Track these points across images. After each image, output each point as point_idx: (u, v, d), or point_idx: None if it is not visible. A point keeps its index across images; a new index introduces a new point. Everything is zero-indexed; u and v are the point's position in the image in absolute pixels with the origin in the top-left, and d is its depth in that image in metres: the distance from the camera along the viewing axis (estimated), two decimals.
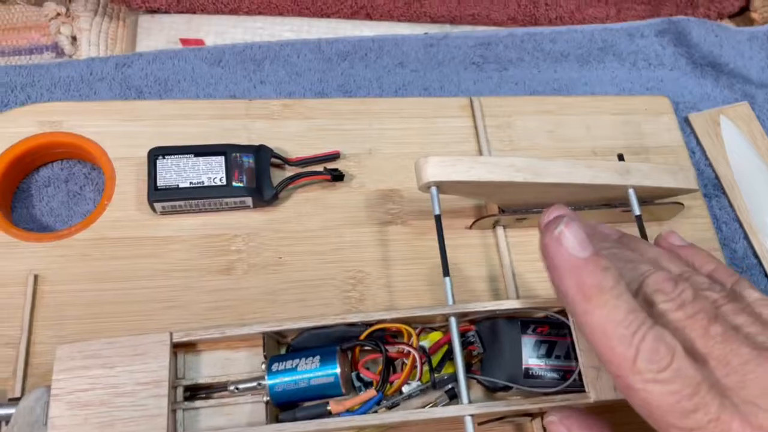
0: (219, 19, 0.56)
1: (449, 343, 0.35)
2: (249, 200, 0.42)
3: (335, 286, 0.41)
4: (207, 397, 0.35)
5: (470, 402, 0.34)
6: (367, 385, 0.36)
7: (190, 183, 0.41)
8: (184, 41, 0.55)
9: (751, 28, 0.59)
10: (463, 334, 0.36)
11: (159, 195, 0.41)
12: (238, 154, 0.42)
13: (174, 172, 0.41)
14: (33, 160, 0.43)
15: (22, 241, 0.40)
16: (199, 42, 0.55)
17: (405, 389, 0.35)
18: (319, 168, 0.44)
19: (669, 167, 0.41)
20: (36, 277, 0.39)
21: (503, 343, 0.36)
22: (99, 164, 0.43)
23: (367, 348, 0.36)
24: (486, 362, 0.37)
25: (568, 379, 0.35)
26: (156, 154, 0.41)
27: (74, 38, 0.55)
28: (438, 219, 0.37)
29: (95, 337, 0.34)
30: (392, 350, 0.36)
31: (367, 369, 0.36)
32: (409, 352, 0.35)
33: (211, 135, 0.44)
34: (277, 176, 0.43)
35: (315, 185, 0.44)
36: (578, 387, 0.34)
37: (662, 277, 0.26)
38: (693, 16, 0.59)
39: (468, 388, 0.34)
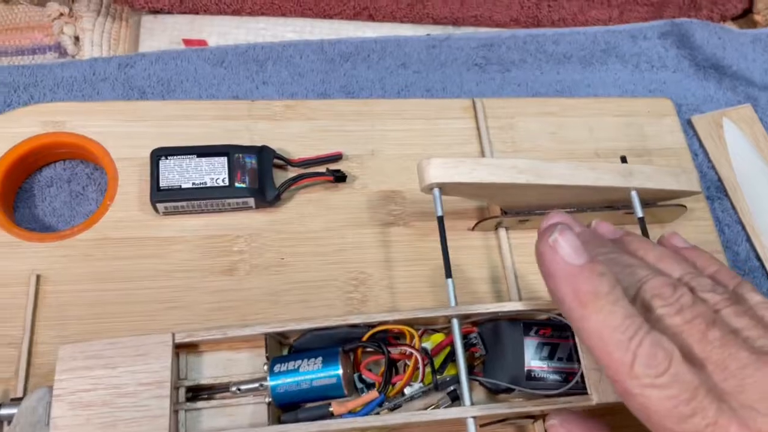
0: (222, 20, 0.56)
1: (451, 344, 0.35)
2: (251, 201, 0.42)
3: (337, 287, 0.41)
4: (209, 398, 0.35)
5: (472, 404, 0.34)
6: (370, 386, 0.36)
7: (193, 184, 0.41)
8: (186, 42, 0.55)
9: (754, 31, 0.59)
10: (465, 336, 0.36)
11: (162, 195, 0.41)
12: (240, 155, 0.42)
13: (177, 173, 0.41)
14: (36, 160, 0.44)
15: (25, 241, 0.40)
16: (202, 42, 0.55)
17: (407, 391, 0.35)
18: (322, 169, 0.44)
19: (672, 169, 0.41)
20: (38, 277, 0.39)
21: (505, 345, 0.36)
22: (102, 164, 0.43)
23: (369, 349, 0.36)
24: (488, 364, 0.37)
25: (571, 382, 0.35)
26: (159, 154, 0.42)
27: (77, 38, 0.55)
28: (440, 220, 0.37)
29: (97, 337, 0.34)
30: (394, 352, 0.36)
31: (370, 370, 0.36)
32: (412, 353, 0.35)
33: (213, 136, 0.44)
34: (280, 177, 0.43)
35: (317, 186, 0.44)
36: (580, 389, 0.34)
37: (660, 282, 0.26)
38: (696, 18, 0.58)
39: (470, 389, 0.34)
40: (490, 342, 0.37)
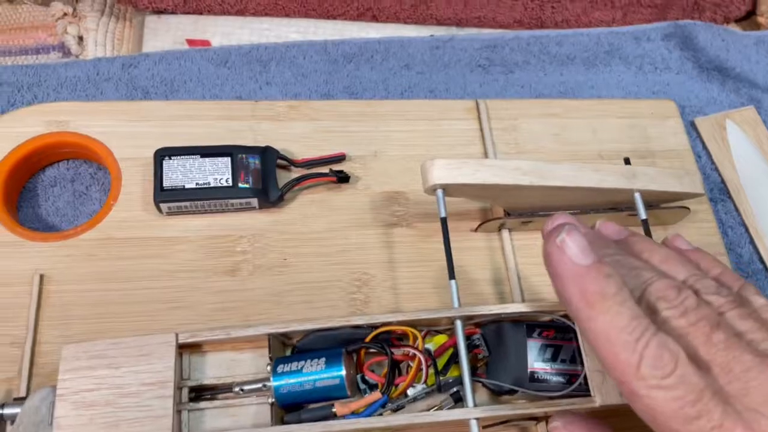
0: (225, 20, 0.56)
1: (455, 346, 0.35)
2: (255, 201, 0.42)
3: (340, 288, 0.41)
4: (212, 398, 0.35)
5: (475, 405, 0.34)
6: (372, 387, 0.36)
7: (196, 184, 0.41)
8: (190, 42, 0.55)
9: (757, 33, 0.59)
10: (468, 337, 0.36)
11: (165, 195, 0.41)
12: (244, 156, 0.42)
13: (180, 173, 0.41)
14: (39, 159, 0.44)
15: (28, 240, 0.40)
16: (206, 43, 0.55)
17: (410, 392, 0.35)
18: (325, 170, 0.44)
19: (675, 171, 0.41)
20: (42, 276, 0.39)
21: (509, 347, 0.36)
22: (105, 164, 0.44)
23: (372, 350, 0.36)
24: (491, 365, 0.37)
25: (574, 383, 0.35)
26: (162, 154, 0.42)
27: (81, 38, 0.55)
28: (444, 222, 0.37)
29: (101, 337, 0.34)
30: (398, 353, 0.36)
31: (373, 371, 0.36)
32: (415, 354, 0.35)
33: (217, 136, 0.44)
34: (283, 178, 0.43)
35: (320, 187, 0.44)
36: (584, 391, 0.34)
37: (665, 284, 0.27)
38: (699, 20, 0.59)
39: (473, 391, 0.34)
40: (493, 343, 0.37)
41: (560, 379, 0.36)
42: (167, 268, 0.40)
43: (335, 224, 0.43)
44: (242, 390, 0.35)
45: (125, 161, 0.43)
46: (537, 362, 0.36)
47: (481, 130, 0.48)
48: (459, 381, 0.35)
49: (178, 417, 0.34)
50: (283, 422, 0.35)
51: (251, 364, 0.36)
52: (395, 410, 0.35)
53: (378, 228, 0.43)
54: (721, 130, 0.52)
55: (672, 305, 0.26)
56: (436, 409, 0.36)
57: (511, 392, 0.36)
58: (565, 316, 0.36)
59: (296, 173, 0.44)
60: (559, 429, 0.32)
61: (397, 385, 0.35)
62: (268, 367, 0.35)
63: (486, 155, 0.47)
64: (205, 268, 0.41)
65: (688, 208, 0.44)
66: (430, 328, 0.37)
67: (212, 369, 0.36)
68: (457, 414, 0.33)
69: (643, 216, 0.40)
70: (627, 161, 0.44)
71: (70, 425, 0.32)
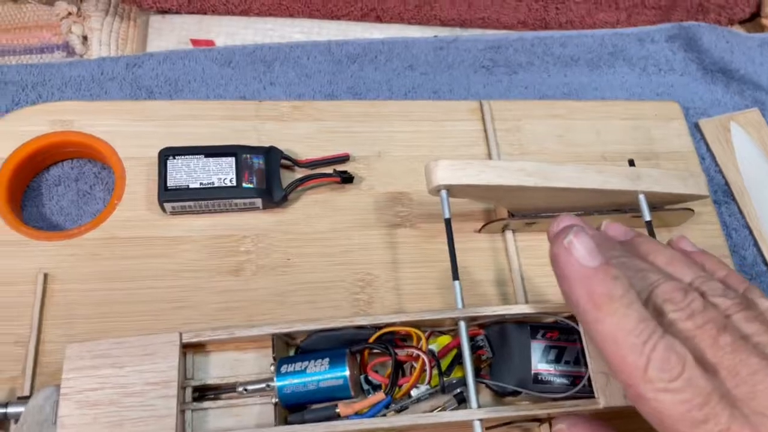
0: (229, 20, 0.56)
1: (458, 347, 0.35)
2: (258, 201, 0.42)
3: (344, 288, 0.41)
4: (216, 398, 0.35)
5: (479, 406, 0.34)
6: (376, 388, 0.36)
7: (201, 184, 0.41)
8: (194, 42, 0.55)
9: (762, 35, 0.59)
10: (472, 339, 0.36)
11: (169, 195, 0.41)
12: (248, 156, 0.42)
13: (184, 173, 0.41)
14: (43, 158, 0.44)
15: (32, 239, 0.40)
16: (210, 43, 0.55)
17: (414, 393, 0.35)
18: (329, 170, 0.44)
19: (679, 173, 0.41)
20: (46, 275, 0.39)
21: (512, 348, 0.36)
22: (109, 164, 0.44)
23: (376, 351, 0.36)
24: (495, 367, 0.37)
25: (578, 385, 0.35)
26: (166, 154, 0.42)
27: (85, 38, 0.55)
28: (448, 222, 0.37)
29: (105, 336, 0.34)
30: (401, 353, 0.36)
31: (376, 372, 0.36)
32: (418, 355, 0.35)
33: (221, 136, 0.45)
34: (287, 178, 0.43)
35: (324, 187, 0.44)
36: (587, 393, 0.34)
37: (672, 286, 0.26)
38: (704, 22, 0.58)
39: (477, 392, 0.34)
40: (497, 345, 0.37)
41: (564, 380, 0.36)
42: (171, 268, 0.40)
43: (339, 224, 0.43)
44: (246, 390, 0.35)
45: (129, 161, 0.43)
46: (541, 364, 0.36)
47: (485, 131, 0.48)
48: (462, 382, 0.35)
49: (181, 417, 0.34)
50: (286, 422, 0.35)
51: (255, 364, 0.36)
52: (399, 411, 0.35)
53: (381, 228, 0.43)
54: (725, 132, 0.52)
55: (679, 307, 0.26)
56: (440, 410, 0.36)
57: (515, 393, 0.36)
58: (569, 317, 0.36)
59: (300, 173, 0.44)
60: (564, 431, 0.32)
61: (400, 386, 0.35)
62: (272, 367, 0.35)
63: (490, 156, 0.47)
64: (209, 268, 0.41)
65: (692, 210, 0.44)
66: (433, 329, 0.37)
67: (216, 369, 0.36)
68: (460, 415, 0.33)
69: (647, 218, 0.40)
70: (631, 163, 0.44)
71: (74, 424, 0.32)
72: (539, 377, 0.36)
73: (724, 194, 0.50)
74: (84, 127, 0.44)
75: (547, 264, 0.28)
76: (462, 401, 0.36)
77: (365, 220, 0.43)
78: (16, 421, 0.33)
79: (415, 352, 0.35)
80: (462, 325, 0.35)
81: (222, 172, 0.41)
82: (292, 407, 0.35)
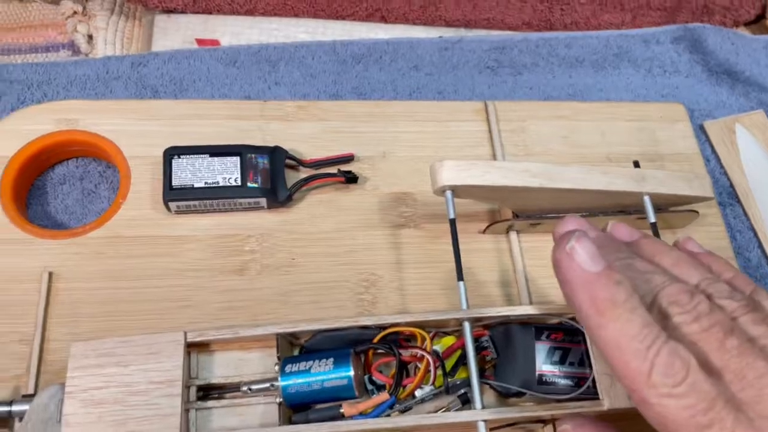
0: (235, 20, 0.56)
1: (463, 347, 0.35)
2: (263, 201, 0.42)
3: (348, 288, 0.41)
4: (220, 398, 0.35)
5: (483, 407, 0.34)
6: (380, 388, 0.36)
7: (205, 183, 0.41)
8: (199, 41, 0.55)
9: (767, 37, 0.59)
10: (476, 339, 0.36)
11: (174, 194, 0.41)
12: (253, 155, 0.42)
13: (189, 172, 0.41)
14: (49, 157, 0.44)
15: (37, 238, 0.40)
16: (215, 42, 0.55)
17: (418, 393, 0.35)
18: (333, 170, 0.44)
19: (684, 175, 0.41)
20: (50, 274, 0.39)
21: (517, 349, 0.36)
22: (114, 163, 0.44)
23: (380, 351, 0.36)
24: (499, 368, 0.37)
25: (582, 386, 0.35)
26: (171, 153, 0.42)
27: (90, 37, 0.55)
28: (453, 223, 0.37)
29: (109, 335, 0.34)
30: (405, 354, 0.36)
31: (380, 372, 0.36)
32: (423, 356, 0.35)
33: (226, 135, 0.45)
34: (292, 177, 0.43)
35: (329, 187, 0.44)
36: (592, 394, 0.34)
37: (677, 289, 0.26)
38: (709, 24, 0.58)
39: (481, 393, 0.34)
40: (502, 345, 0.37)
41: (568, 382, 0.36)
42: (176, 267, 0.40)
43: (343, 224, 0.43)
44: (250, 389, 0.35)
45: (134, 160, 0.43)
46: (545, 365, 0.36)
47: (490, 131, 0.48)
48: (467, 383, 0.35)
49: (185, 416, 0.34)
50: (290, 422, 0.35)
51: (259, 363, 0.36)
52: (403, 411, 0.35)
53: (386, 229, 0.43)
54: (730, 133, 0.52)
55: (684, 310, 0.26)
56: (444, 411, 0.36)
57: (519, 395, 0.36)
58: (574, 318, 0.36)
59: (305, 173, 0.44)
60: (569, 431, 0.32)
61: (404, 387, 0.35)
62: (276, 367, 0.35)
63: (494, 157, 0.47)
64: (214, 267, 0.41)
65: (697, 212, 0.44)
66: (438, 329, 0.37)
67: (220, 368, 0.36)
68: (464, 416, 0.33)
69: (652, 219, 0.40)
70: (636, 164, 0.44)
71: (79, 423, 0.32)
72: (543, 378, 0.36)
73: (728, 196, 0.50)
74: (89, 126, 0.44)
75: (552, 265, 0.28)
76: (466, 402, 0.36)
77: (370, 220, 0.43)
78: (21, 419, 0.33)
79: (420, 352, 0.35)
80: (466, 325, 0.35)
81: (227, 172, 0.41)
82: (296, 407, 0.35)
